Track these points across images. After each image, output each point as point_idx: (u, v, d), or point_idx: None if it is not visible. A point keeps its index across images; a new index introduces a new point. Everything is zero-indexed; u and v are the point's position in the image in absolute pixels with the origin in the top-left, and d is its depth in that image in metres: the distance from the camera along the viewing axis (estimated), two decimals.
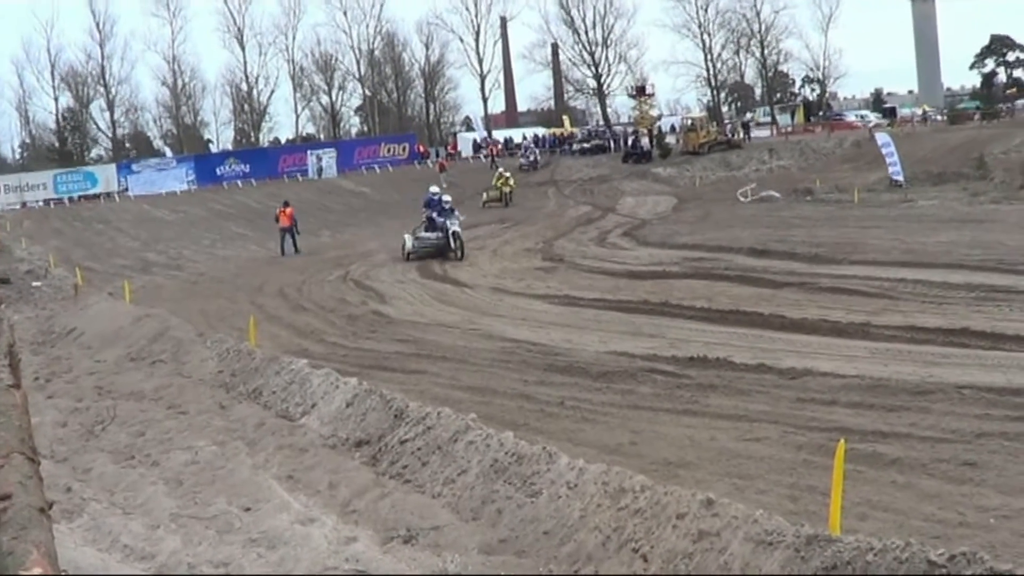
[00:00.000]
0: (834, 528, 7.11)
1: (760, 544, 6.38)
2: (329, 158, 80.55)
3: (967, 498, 9.18)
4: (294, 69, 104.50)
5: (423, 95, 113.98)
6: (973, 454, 10.34)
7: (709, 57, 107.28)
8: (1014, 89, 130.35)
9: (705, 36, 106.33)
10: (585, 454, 9.59)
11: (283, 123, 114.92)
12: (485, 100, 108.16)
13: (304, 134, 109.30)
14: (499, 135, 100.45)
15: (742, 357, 16.15)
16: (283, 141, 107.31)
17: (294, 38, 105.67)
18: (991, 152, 62.42)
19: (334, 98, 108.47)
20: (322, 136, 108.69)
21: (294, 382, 13.42)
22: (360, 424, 11.19)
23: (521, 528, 7.94)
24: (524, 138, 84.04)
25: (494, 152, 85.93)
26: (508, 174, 64.45)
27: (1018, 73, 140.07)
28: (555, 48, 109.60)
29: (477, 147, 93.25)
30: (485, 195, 61.85)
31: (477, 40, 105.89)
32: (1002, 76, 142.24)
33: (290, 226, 44.52)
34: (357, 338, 21.59)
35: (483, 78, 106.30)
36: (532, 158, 79.68)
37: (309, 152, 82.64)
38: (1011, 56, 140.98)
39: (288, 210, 45.12)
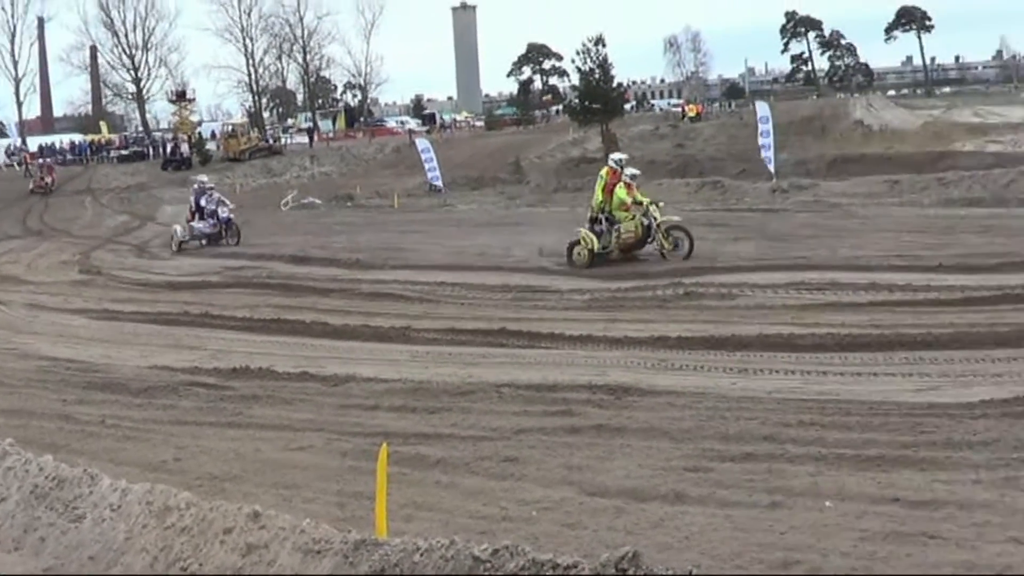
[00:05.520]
0: (381, 531, 7.18)
1: (308, 553, 6.37)
2: None
3: (509, 493, 9.43)
4: None
5: None
6: (513, 450, 10.64)
7: (251, 62, 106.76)
8: (550, 96, 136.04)
9: (248, 41, 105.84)
10: (128, 474, 9.31)
11: None
12: (20, 105, 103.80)
13: None
14: (34, 142, 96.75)
15: (285, 366, 16.14)
16: None
17: None
18: (527, 157, 65.01)
19: None
20: None
21: None
22: None
23: (66, 555, 7.65)
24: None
25: (28, 160, 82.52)
26: (635, 175, 27.71)
27: (554, 80, 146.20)
28: (94, 51, 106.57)
29: (11, 154, 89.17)
30: (616, 237, 26.09)
31: (12, 41, 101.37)
32: (538, 83, 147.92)
33: None
34: None
35: (18, 82, 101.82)
36: None
37: None
38: (547, 64, 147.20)
39: None
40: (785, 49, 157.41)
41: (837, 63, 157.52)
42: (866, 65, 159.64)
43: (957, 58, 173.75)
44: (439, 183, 53.57)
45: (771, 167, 43.44)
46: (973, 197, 34.46)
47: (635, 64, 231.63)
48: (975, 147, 54.70)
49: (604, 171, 27.19)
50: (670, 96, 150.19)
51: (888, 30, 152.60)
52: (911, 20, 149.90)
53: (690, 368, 14.61)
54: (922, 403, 11.92)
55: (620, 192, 25.93)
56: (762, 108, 47.47)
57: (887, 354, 14.76)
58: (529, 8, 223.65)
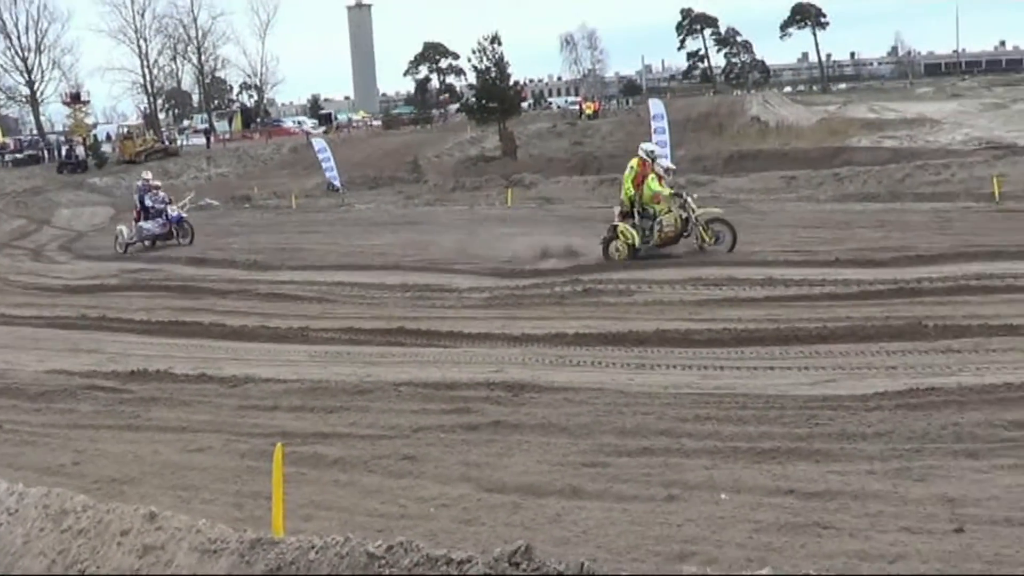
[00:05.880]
0: (277, 531, 7.21)
1: (205, 553, 6.37)
2: None
3: (407, 491, 9.49)
4: None
5: None
6: (412, 448, 10.70)
7: (146, 63, 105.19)
8: (447, 95, 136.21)
9: (142, 42, 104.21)
10: (26, 478, 9.21)
11: None
12: None
13: None
14: None
15: (183, 368, 15.99)
16: None
17: None
18: (425, 156, 65.06)
19: None
20: None
21: None
22: None
23: None
24: None
25: None
26: (670, 169, 26.74)
27: (451, 79, 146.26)
28: None
29: None
30: (659, 230, 24.08)
31: None
32: (435, 82, 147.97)
33: None
34: None
35: None
36: None
37: None
38: (444, 63, 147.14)
39: None
40: (681, 46, 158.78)
41: (733, 60, 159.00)
42: (762, 62, 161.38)
43: (852, 55, 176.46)
44: (337, 183, 53.44)
45: (667, 163, 43.67)
46: (868, 192, 35.03)
47: (532, 62, 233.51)
48: (871, 143, 55.63)
49: (634, 162, 25.01)
50: (568, 94, 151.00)
51: (783, 27, 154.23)
52: (806, 17, 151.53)
53: (588, 364, 14.75)
54: (817, 396, 12.12)
55: (653, 184, 24.10)
56: (655, 106, 47.64)
57: (783, 348, 14.96)
58: (425, 7, 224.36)
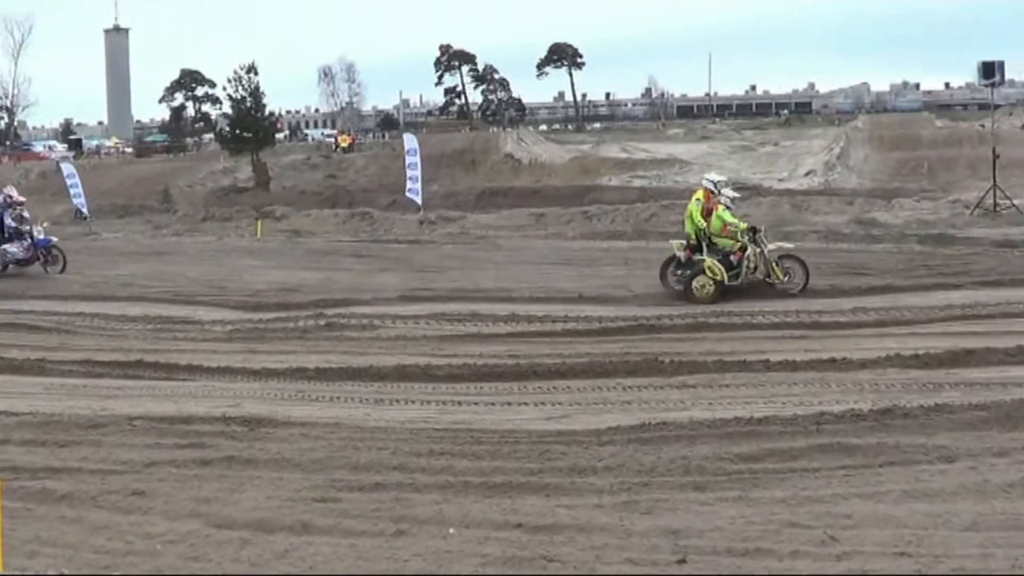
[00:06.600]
0: None
1: None
2: None
3: (135, 527, 9.36)
4: None
5: None
6: (143, 483, 10.54)
7: None
8: (202, 123, 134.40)
9: None
10: None
11: None
12: None
13: None
14: None
15: None
16: None
17: None
18: (177, 185, 64.00)
19: None
20: None
21: None
22: None
23: None
24: None
25: None
26: (735, 198, 25.69)
27: (207, 108, 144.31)
28: None
29: None
30: (746, 266, 22.62)
31: None
32: (191, 110, 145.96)
33: None
34: None
35: None
36: None
37: None
38: (200, 91, 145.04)
39: None
40: (439, 82, 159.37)
41: (490, 97, 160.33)
42: (519, 100, 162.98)
43: (608, 95, 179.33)
44: (85, 210, 52.13)
45: (418, 199, 43.90)
46: (616, 230, 35.80)
47: (290, 93, 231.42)
48: (620, 182, 56.90)
49: (700, 193, 23.63)
50: (325, 126, 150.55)
51: (540, 66, 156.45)
52: (563, 57, 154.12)
53: (327, 399, 14.83)
54: (551, 431, 12.41)
55: (725, 214, 22.79)
56: (409, 140, 47.88)
57: (521, 384, 15.31)
58: (184, 33, 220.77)
